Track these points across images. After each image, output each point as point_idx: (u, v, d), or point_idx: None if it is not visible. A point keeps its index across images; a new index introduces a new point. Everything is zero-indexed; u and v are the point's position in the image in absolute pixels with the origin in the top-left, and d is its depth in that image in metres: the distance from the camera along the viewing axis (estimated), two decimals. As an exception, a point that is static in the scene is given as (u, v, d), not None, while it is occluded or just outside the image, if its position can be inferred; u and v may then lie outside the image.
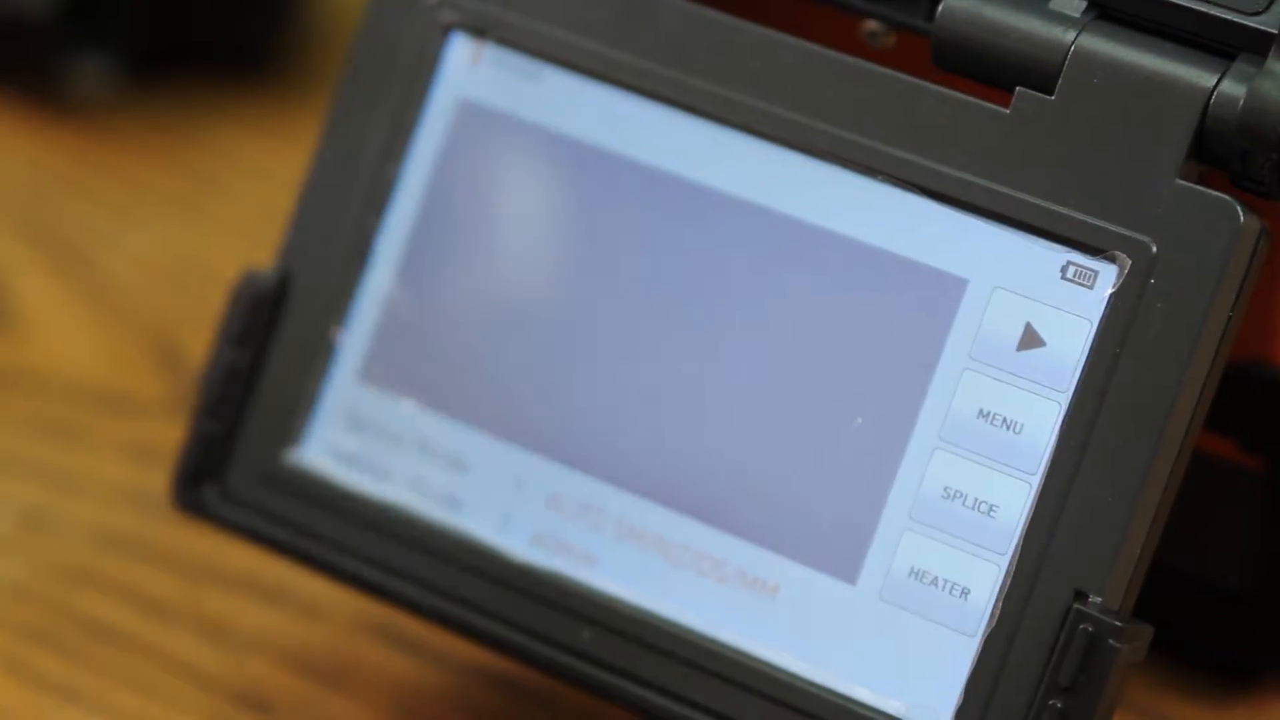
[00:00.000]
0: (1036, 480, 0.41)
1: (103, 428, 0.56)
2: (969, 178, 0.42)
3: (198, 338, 0.47)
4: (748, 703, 0.42)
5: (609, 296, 0.44)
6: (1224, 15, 0.41)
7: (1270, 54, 0.41)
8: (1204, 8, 0.41)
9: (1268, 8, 0.41)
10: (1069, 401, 0.41)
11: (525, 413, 0.45)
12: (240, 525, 0.46)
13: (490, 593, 0.44)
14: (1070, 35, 0.42)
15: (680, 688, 0.43)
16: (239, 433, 0.46)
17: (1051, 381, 0.41)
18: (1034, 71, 0.42)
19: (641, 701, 0.43)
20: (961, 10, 0.43)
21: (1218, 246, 0.40)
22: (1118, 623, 0.40)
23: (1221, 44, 0.41)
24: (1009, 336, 0.42)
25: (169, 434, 0.52)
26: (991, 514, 0.41)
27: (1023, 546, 0.41)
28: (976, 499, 0.41)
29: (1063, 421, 0.41)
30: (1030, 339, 0.42)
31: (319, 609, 0.51)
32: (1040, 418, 0.41)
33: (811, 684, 0.42)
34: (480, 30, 0.46)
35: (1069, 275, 0.41)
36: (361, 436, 0.46)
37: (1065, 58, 0.42)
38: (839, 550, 0.42)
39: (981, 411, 0.42)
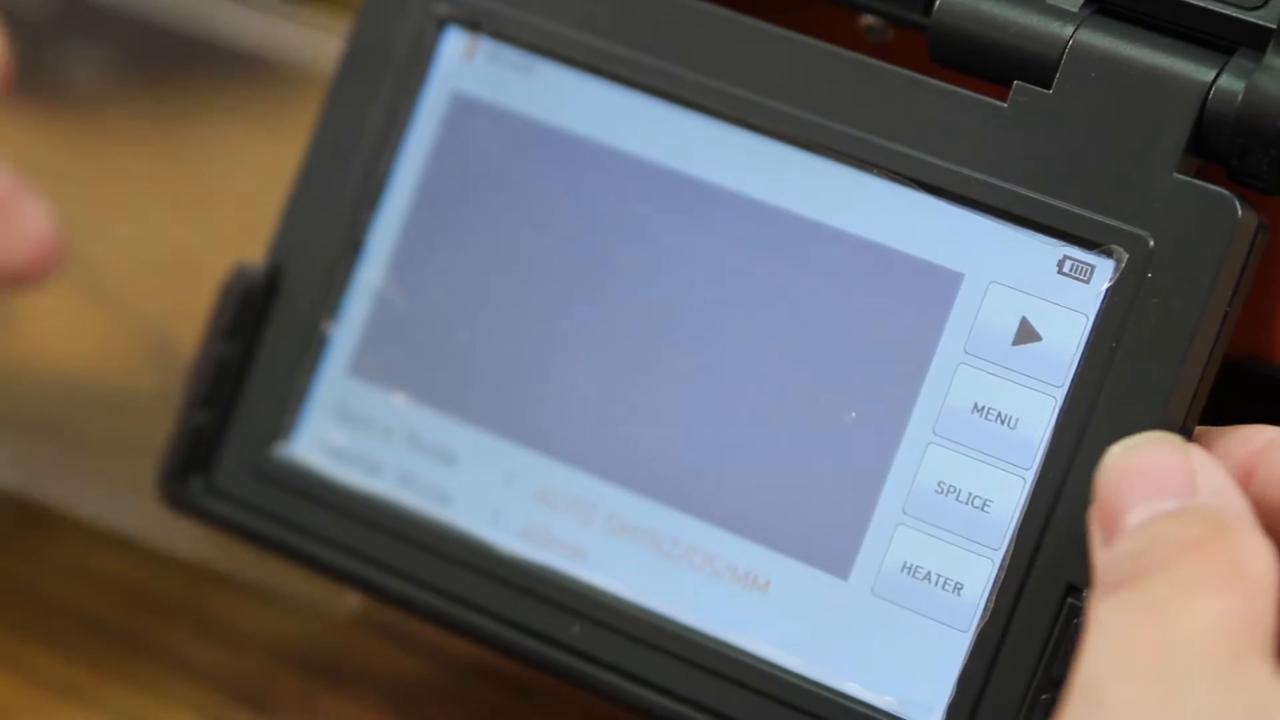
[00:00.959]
0: (1031, 475, 0.41)
1: (96, 421, 0.56)
2: (966, 171, 0.42)
3: (191, 331, 0.47)
4: (739, 697, 0.42)
5: (601, 290, 0.44)
6: (1222, 10, 0.41)
7: (1269, 49, 0.41)
8: (1202, 3, 0.41)
9: (1266, 3, 0.41)
10: (1064, 396, 0.41)
11: (515, 407, 0.44)
12: (227, 519, 0.46)
13: (479, 586, 0.44)
14: (1068, 30, 0.42)
15: (671, 682, 0.42)
16: (228, 426, 0.46)
17: (1047, 376, 0.41)
18: (1032, 66, 0.42)
19: (632, 696, 0.43)
20: (959, 5, 0.42)
21: (1215, 241, 0.40)
22: (1112, 617, 0.40)
23: (1220, 39, 0.41)
24: (1004, 331, 0.41)
25: (163, 428, 0.52)
26: (985, 509, 0.41)
27: (1017, 541, 0.41)
28: (971, 494, 0.41)
29: (1058, 416, 0.41)
30: (1026, 333, 0.41)
31: (316, 606, 0.51)
32: (1035, 412, 0.41)
33: (803, 679, 0.42)
34: (474, 24, 0.46)
35: (1065, 270, 0.41)
36: (351, 430, 0.46)
37: (1063, 52, 0.42)
38: (831, 545, 0.42)
39: (976, 406, 0.41)
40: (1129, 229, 0.41)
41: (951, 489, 0.41)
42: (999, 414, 0.41)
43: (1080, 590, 0.40)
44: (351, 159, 0.46)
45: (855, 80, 0.43)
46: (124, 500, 0.53)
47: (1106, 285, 0.41)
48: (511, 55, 0.45)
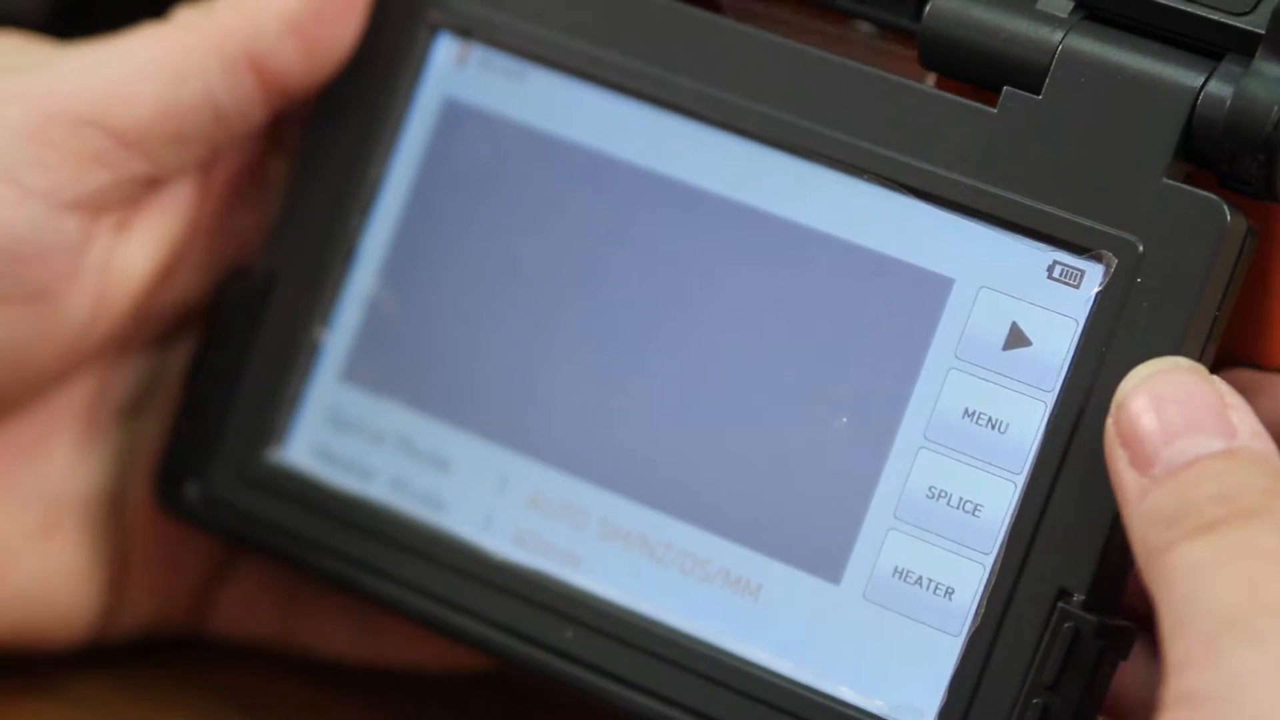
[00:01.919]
0: (1021, 479, 0.41)
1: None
2: (955, 177, 0.42)
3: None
4: (730, 701, 0.42)
5: (593, 296, 0.44)
6: (1211, 16, 0.41)
7: (1257, 54, 0.41)
8: (1191, 8, 0.41)
9: (1254, 8, 0.41)
10: (1054, 401, 0.41)
11: (508, 413, 0.45)
12: (220, 524, 0.46)
13: (472, 592, 0.44)
14: (1058, 35, 0.42)
15: (663, 687, 0.42)
16: (221, 431, 0.46)
17: (1037, 381, 0.41)
18: (1021, 71, 0.42)
19: (624, 701, 0.43)
20: (949, 10, 0.42)
21: (1205, 245, 0.40)
22: (1101, 621, 0.40)
23: (1209, 44, 0.41)
24: (995, 336, 0.41)
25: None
26: (976, 513, 0.41)
27: (1007, 546, 0.41)
28: (961, 498, 0.41)
29: (1048, 421, 0.41)
30: (1016, 338, 0.41)
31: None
32: (1025, 417, 0.41)
33: (794, 683, 0.42)
34: (466, 30, 0.46)
35: (1055, 275, 0.41)
36: (344, 436, 0.46)
37: (1053, 58, 0.42)
38: (823, 550, 0.42)
39: (967, 411, 0.41)
40: (1118, 234, 0.41)
41: (942, 493, 0.41)
42: (989, 419, 0.41)
43: (1071, 594, 0.40)
44: (343, 165, 0.46)
45: (845, 85, 0.43)
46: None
47: (1096, 290, 0.41)
48: (503, 61, 0.45)
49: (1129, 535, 0.38)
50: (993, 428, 0.41)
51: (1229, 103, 0.41)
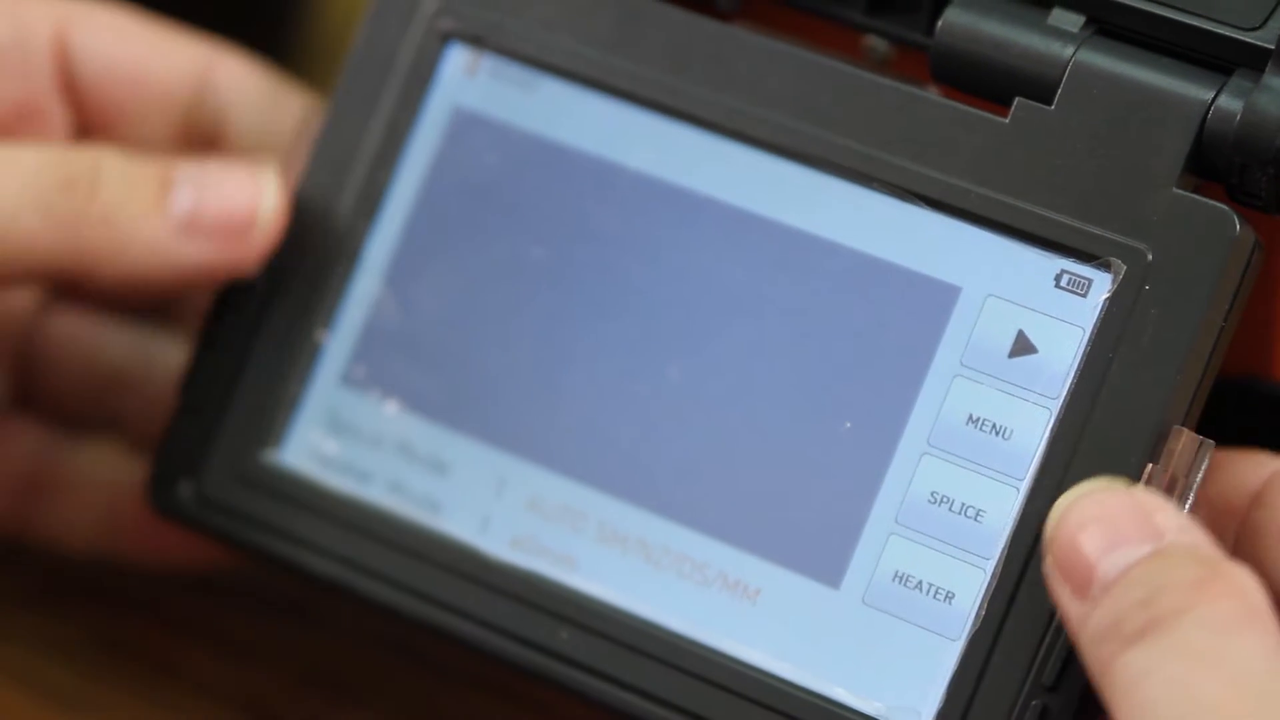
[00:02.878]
0: (1025, 486, 0.41)
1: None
2: (965, 185, 0.42)
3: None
4: (726, 704, 0.42)
5: (597, 303, 0.44)
6: (1221, 31, 0.41)
7: (1267, 69, 0.41)
8: (1201, 23, 0.41)
9: (1264, 23, 0.41)
10: (1059, 408, 0.41)
11: (507, 416, 0.44)
12: (215, 526, 0.46)
13: (468, 594, 0.44)
14: (1069, 50, 0.42)
15: (659, 689, 0.42)
16: (218, 433, 0.46)
17: (1042, 388, 0.41)
18: (1033, 86, 0.42)
19: (620, 702, 0.42)
20: (961, 25, 0.43)
21: (1213, 255, 0.40)
22: (1104, 624, 0.40)
23: (1219, 59, 0.42)
24: (1001, 343, 0.41)
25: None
26: (978, 519, 0.41)
27: (1009, 551, 0.41)
28: (964, 504, 0.41)
29: (1052, 428, 0.41)
30: (1022, 346, 0.41)
31: (330, 623, 0.50)
32: (1030, 424, 0.41)
33: (791, 685, 0.41)
34: (478, 39, 0.46)
35: (1063, 283, 0.41)
36: (342, 438, 0.46)
37: (1064, 72, 0.42)
38: (822, 554, 0.42)
39: (971, 417, 0.41)
40: (1127, 242, 0.41)
41: (945, 499, 0.41)
42: (994, 425, 0.41)
43: (1073, 597, 0.40)
44: (351, 169, 0.46)
45: (856, 95, 0.43)
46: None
47: (1104, 298, 0.41)
48: (513, 71, 0.46)
49: (1083, 662, 0.38)
50: (997, 434, 0.41)
51: (1239, 117, 0.41)
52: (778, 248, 0.43)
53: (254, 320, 0.46)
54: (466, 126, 0.46)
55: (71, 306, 0.51)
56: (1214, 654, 0.36)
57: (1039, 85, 0.42)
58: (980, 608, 0.41)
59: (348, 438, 0.46)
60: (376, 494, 0.45)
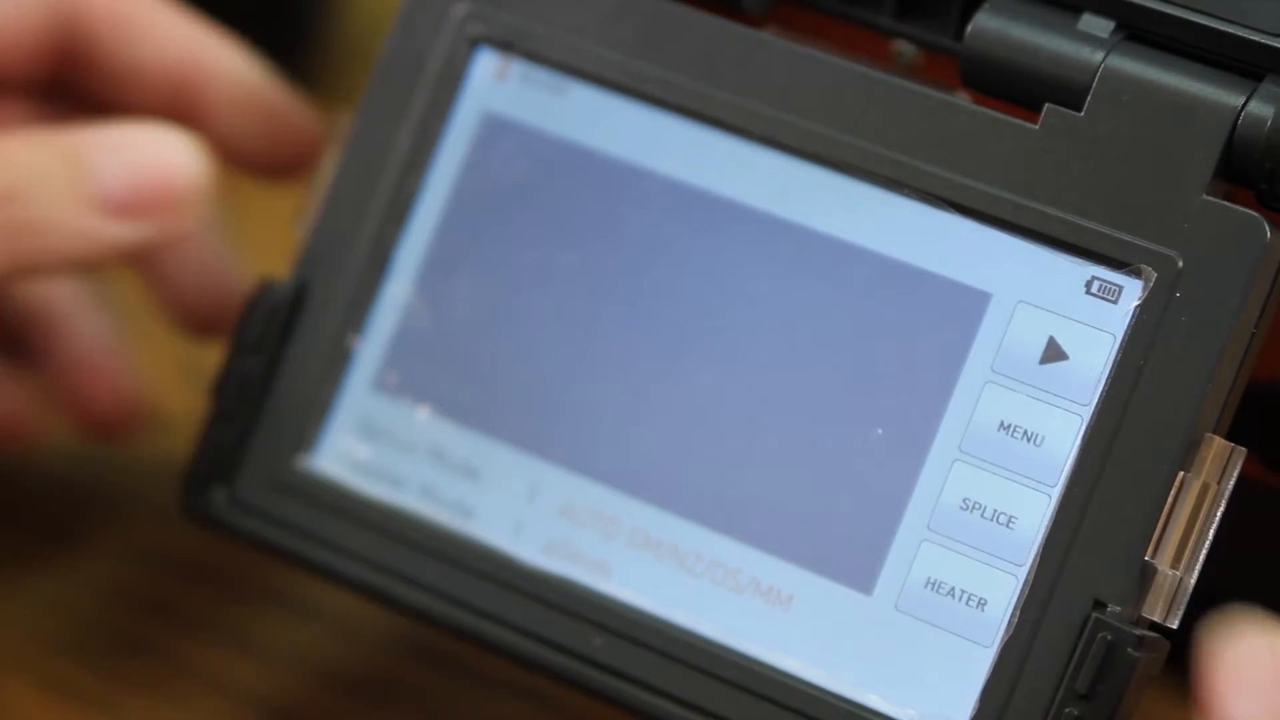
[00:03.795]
0: (1056, 492, 0.41)
1: (132, 443, 0.56)
2: (995, 192, 0.42)
3: (223, 352, 0.47)
4: (759, 710, 0.42)
5: (628, 308, 0.44)
6: (1251, 37, 0.41)
7: (1298, 75, 0.41)
8: (1231, 29, 0.41)
9: (1295, 30, 0.41)
10: (1091, 414, 0.41)
11: (539, 422, 0.45)
12: (248, 532, 0.46)
13: (501, 600, 0.44)
14: (1099, 56, 0.42)
15: (692, 695, 0.42)
16: (251, 439, 0.46)
17: (1074, 395, 0.41)
18: (1063, 91, 0.42)
19: (653, 709, 0.42)
20: (990, 30, 0.43)
21: (1244, 262, 0.40)
22: (1137, 632, 0.40)
23: (1249, 65, 0.41)
24: (1032, 350, 0.41)
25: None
26: (1010, 525, 0.41)
27: (1041, 557, 0.41)
28: (996, 510, 0.41)
29: (1084, 434, 0.41)
30: (1053, 352, 0.41)
31: (354, 626, 0.51)
32: (1061, 430, 0.41)
33: (824, 691, 0.42)
34: (507, 44, 0.46)
35: (1094, 290, 0.41)
36: (375, 444, 0.46)
37: (1094, 78, 0.42)
38: (855, 561, 0.42)
39: (1002, 424, 0.41)
40: (1158, 249, 0.41)
41: (976, 505, 0.41)
42: (1025, 432, 0.41)
43: (1105, 605, 0.40)
44: (381, 175, 0.46)
45: (886, 101, 0.43)
46: (159, 518, 0.53)
47: (1135, 304, 0.41)
48: (543, 76, 0.46)
49: None
50: (1028, 441, 0.41)
51: (1269, 123, 0.41)
52: (808, 253, 0.43)
53: (285, 326, 0.46)
54: (496, 131, 0.46)
55: None
56: None
57: (1069, 91, 0.42)
58: (1013, 615, 0.41)
59: (380, 443, 0.46)
60: (409, 500, 0.45)
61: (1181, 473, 0.40)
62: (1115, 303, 0.41)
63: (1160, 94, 0.41)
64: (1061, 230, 0.41)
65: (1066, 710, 0.40)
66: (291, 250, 0.47)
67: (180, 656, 0.50)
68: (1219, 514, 0.40)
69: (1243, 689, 0.37)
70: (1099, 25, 0.42)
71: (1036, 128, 0.42)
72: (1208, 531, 0.40)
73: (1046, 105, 0.42)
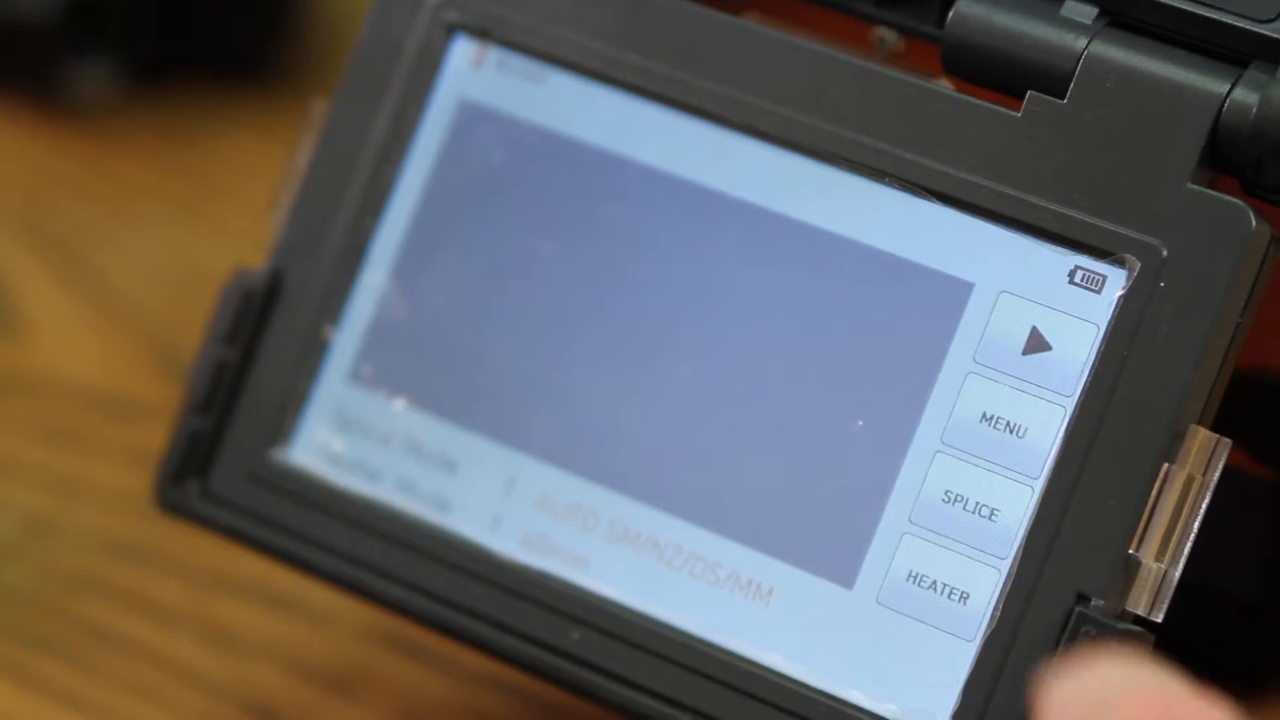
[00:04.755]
0: (1039, 484, 0.40)
1: (104, 432, 0.56)
2: (977, 180, 0.42)
3: (199, 342, 0.47)
4: (739, 705, 0.41)
5: (605, 297, 0.44)
6: (1237, 23, 0.41)
7: (1284, 62, 0.40)
8: (1216, 15, 0.41)
9: (1280, 15, 0.41)
10: (1074, 405, 0.40)
11: (517, 413, 0.44)
12: (223, 524, 0.46)
13: (478, 593, 0.43)
14: (1082, 42, 0.42)
15: (671, 690, 0.42)
16: (226, 431, 0.46)
17: (1057, 386, 0.41)
18: (1046, 78, 0.42)
19: (631, 703, 0.42)
20: (972, 17, 0.42)
21: (1229, 251, 0.40)
22: (1120, 626, 0.39)
23: (1234, 52, 0.41)
24: (1014, 340, 0.41)
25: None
26: (993, 518, 0.41)
27: (1024, 550, 0.40)
28: (978, 503, 0.41)
29: (1067, 425, 0.40)
30: (1036, 343, 0.41)
31: (327, 617, 0.50)
32: (1044, 422, 0.41)
33: (805, 686, 0.41)
34: (484, 31, 0.45)
35: (1077, 280, 0.41)
36: (351, 436, 0.45)
37: (1077, 65, 0.41)
38: (836, 554, 0.42)
39: (985, 415, 0.41)
40: (1142, 238, 0.40)
41: (959, 498, 0.41)
42: (1007, 423, 0.41)
43: (1088, 598, 0.40)
44: (357, 163, 0.46)
45: (867, 88, 0.43)
46: (130, 508, 0.53)
47: (1118, 294, 0.41)
48: (520, 63, 0.45)
49: None
50: (1011, 432, 0.41)
51: (1255, 110, 0.40)
52: (787, 243, 0.43)
53: (260, 316, 0.46)
54: (473, 119, 0.45)
55: None
56: None
57: (1052, 78, 0.42)
58: (996, 608, 0.40)
59: (356, 435, 0.45)
60: (385, 492, 0.45)
61: (1166, 464, 0.40)
62: (1099, 292, 0.41)
63: (1144, 81, 0.41)
64: (1044, 219, 0.41)
65: (1049, 705, 0.40)
66: (267, 239, 0.46)
67: (153, 648, 0.49)
68: (1204, 506, 0.40)
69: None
70: (1082, 11, 0.42)
71: (1019, 115, 0.42)
72: (1193, 524, 0.40)
73: (1029, 93, 0.42)
